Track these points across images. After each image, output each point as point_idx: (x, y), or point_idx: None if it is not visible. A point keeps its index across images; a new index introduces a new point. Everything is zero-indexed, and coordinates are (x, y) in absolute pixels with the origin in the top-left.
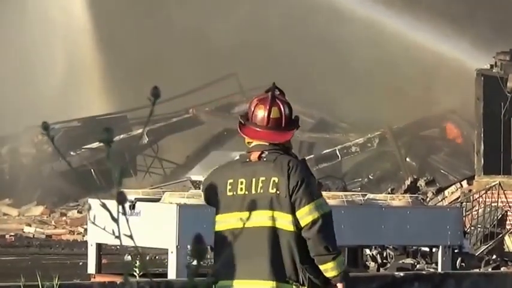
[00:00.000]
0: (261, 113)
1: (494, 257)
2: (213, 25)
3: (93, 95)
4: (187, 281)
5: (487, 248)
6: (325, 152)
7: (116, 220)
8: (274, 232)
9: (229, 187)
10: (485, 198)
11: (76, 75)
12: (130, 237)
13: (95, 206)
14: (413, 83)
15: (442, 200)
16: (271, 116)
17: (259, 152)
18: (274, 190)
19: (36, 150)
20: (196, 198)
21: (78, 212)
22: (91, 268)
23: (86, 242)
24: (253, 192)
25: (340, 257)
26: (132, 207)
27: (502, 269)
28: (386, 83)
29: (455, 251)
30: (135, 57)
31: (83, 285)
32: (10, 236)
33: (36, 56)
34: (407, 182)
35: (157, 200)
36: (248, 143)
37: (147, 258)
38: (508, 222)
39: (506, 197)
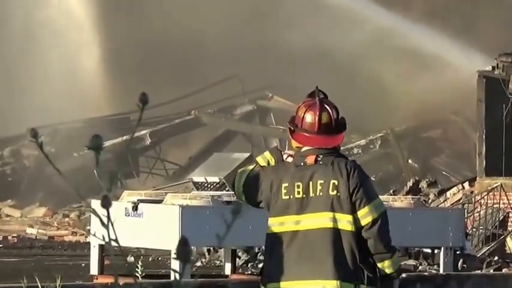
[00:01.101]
0: (310, 119)
1: (496, 258)
2: (215, 27)
3: (96, 96)
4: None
5: (488, 249)
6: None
7: (105, 225)
8: (335, 233)
9: (284, 191)
10: (487, 199)
11: (79, 76)
12: (116, 240)
13: (98, 207)
14: (415, 84)
15: (444, 202)
16: (321, 122)
17: (314, 156)
18: (335, 192)
19: (38, 151)
20: (199, 199)
21: (81, 213)
22: (93, 269)
23: (88, 243)
24: (312, 195)
25: (395, 254)
26: (135, 208)
27: (504, 270)
28: (389, 85)
29: (457, 252)
30: (138, 58)
31: (86, 287)
32: (13, 237)
33: (38, 57)
34: (409, 184)
35: (159, 202)
36: (297, 147)
37: (150, 259)
38: (509, 223)
39: (508, 199)
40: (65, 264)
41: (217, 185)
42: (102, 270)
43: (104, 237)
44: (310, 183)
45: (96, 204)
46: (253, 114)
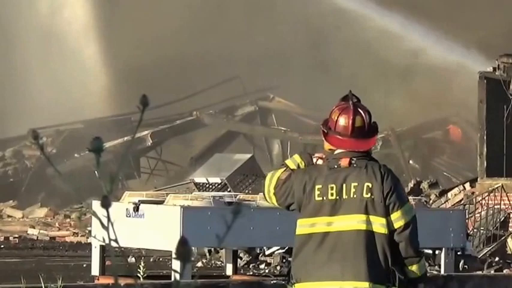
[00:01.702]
0: (344, 123)
1: (496, 259)
2: (216, 28)
3: (97, 97)
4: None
5: (489, 250)
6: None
7: (105, 227)
8: (369, 235)
9: (317, 192)
10: (488, 200)
11: (80, 77)
12: (116, 241)
13: (99, 208)
14: (417, 86)
15: (445, 203)
16: (355, 125)
17: (348, 158)
18: (369, 195)
19: (40, 152)
20: (200, 200)
21: (81, 214)
22: (95, 270)
23: (89, 243)
24: (345, 197)
25: (423, 258)
26: (136, 209)
27: (505, 271)
28: (389, 86)
29: (458, 253)
30: (140, 59)
31: (87, 287)
32: (14, 237)
33: (39, 58)
34: (411, 185)
35: (161, 202)
36: (330, 149)
37: (151, 260)
38: (510, 224)
39: (509, 199)
40: (66, 265)
41: (219, 186)
42: (103, 271)
43: (103, 239)
44: (344, 185)
45: (96, 205)
46: (254, 115)
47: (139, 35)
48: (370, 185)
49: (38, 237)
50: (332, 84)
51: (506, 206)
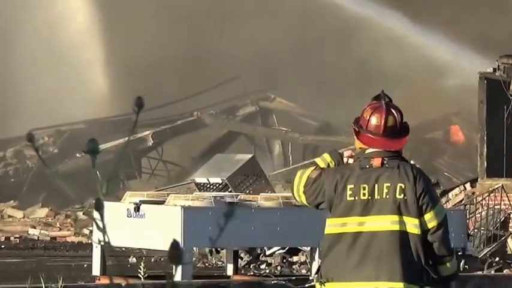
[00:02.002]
0: (376, 122)
1: (497, 259)
2: (217, 28)
3: (99, 97)
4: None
5: (490, 250)
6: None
7: (101, 230)
8: (403, 236)
9: (349, 192)
10: (489, 200)
11: (82, 77)
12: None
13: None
14: (417, 86)
15: (445, 203)
16: (387, 125)
17: (381, 158)
18: (402, 196)
19: (41, 152)
20: (201, 200)
21: (83, 214)
22: (96, 270)
23: (90, 244)
24: (377, 197)
25: (454, 257)
26: (137, 209)
27: (505, 271)
28: (390, 86)
29: (459, 253)
30: (141, 59)
31: (88, 287)
32: (15, 238)
33: (40, 58)
34: None
35: (162, 202)
36: (360, 148)
37: (152, 260)
38: (510, 224)
39: (509, 200)
40: (67, 265)
41: (220, 186)
42: (104, 271)
43: (99, 240)
44: (376, 185)
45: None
46: (255, 115)
47: (141, 35)
48: (403, 186)
49: (38, 237)
50: (335, 85)
51: (507, 206)
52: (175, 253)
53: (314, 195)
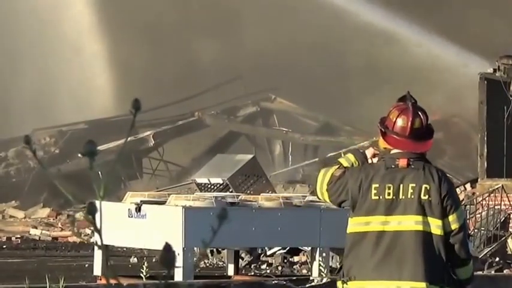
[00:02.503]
0: (403, 123)
1: (497, 259)
2: (218, 29)
3: (100, 98)
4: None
5: (490, 250)
6: (330, 155)
7: (98, 231)
8: (427, 236)
9: (374, 191)
10: (489, 201)
11: (83, 78)
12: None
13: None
14: (418, 86)
15: None
16: (414, 127)
17: (406, 159)
18: (427, 197)
19: (43, 152)
20: (202, 200)
21: (79, 215)
22: (97, 270)
23: (92, 244)
24: (402, 197)
25: (472, 261)
26: (138, 209)
27: (505, 271)
28: (391, 86)
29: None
30: (142, 60)
31: (89, 287)
32: (16, 238)
33: (42, 59)
34: None
35: (163, 203)
36: (385, 148)
37: (153, 260)
38: (510, 224)
39: (509, 200)
40: (69, 265)
41: (221, 186)
42: (105, 271)
43: (96, 242)
44: (401, 185)
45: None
46: (256, 115)
47: (142, 35)
48: (427, 187)
49: (40, 237)
50: (335, 85)
51: (507, 207)
52: (167, 256)
53: (337, 193)
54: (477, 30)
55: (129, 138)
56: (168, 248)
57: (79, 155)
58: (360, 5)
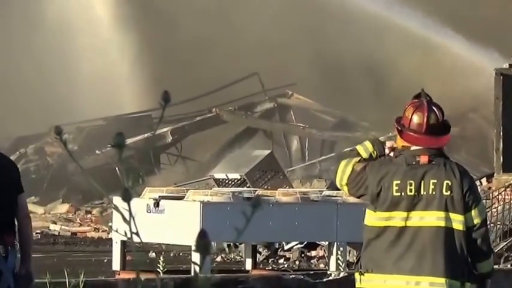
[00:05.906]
0: (418, 120)
1: None
2: (235, 25)
3: (118, 94)
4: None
5: (506, 244)
6: (346, 150)
7: (127, 221)
8: (449, 232)
9: (395, 187)
10: (505, 195)
11: (101, 74)
12: (137, 234)
13: (119, 204)
14: (433, 82)
15: None
16: (429, 123)
17: (427, 156)
18: (449, 192)
19: (62, 148)
20: (220, 195)
21: (103, 210)
22: (116, 265)
23: (110, 239)
24: (423, 193)
25: (492, 255)
26: (157, 205)
27: None
28: (407, 82)
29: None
30: (160, 56)
31: (108, 282)
32: (36, 233)
33: (61, 55)
34: None
35: (181, 198)
36: (403, 146)
37: (171, 255)
38: None
39: None
40: (88, 260)
41: (238, 182)
42: (124, 265)
43: (125, 233)
44: (422, 182)
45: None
46: (273, 111)
47: (160, 31)
48: (449, 183)
49: (59, 232)
50: (352, 81)
51: None
52: (202, 242)
53: (356, 187)
54: (493, 26)
55: (146, 135)
56: (203, 234)
57: (100, 150)
58: (379, 3)
